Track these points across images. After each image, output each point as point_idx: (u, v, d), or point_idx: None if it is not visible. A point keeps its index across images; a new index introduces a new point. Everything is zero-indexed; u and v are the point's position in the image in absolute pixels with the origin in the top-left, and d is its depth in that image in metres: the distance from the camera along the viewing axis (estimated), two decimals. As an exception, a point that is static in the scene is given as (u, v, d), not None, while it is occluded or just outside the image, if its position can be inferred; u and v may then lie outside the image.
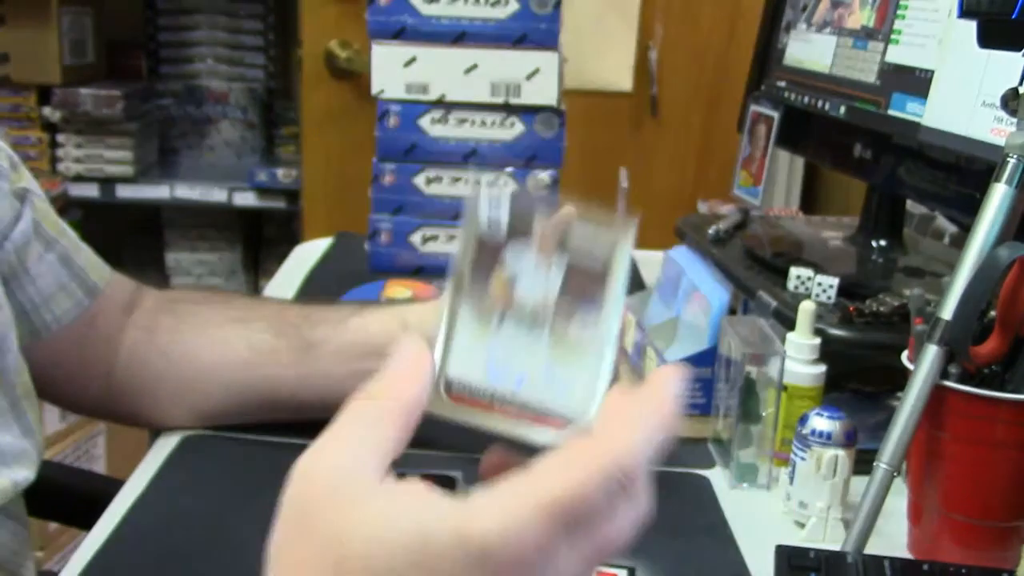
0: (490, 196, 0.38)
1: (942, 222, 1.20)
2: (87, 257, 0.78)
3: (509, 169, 1.21)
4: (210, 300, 0.83)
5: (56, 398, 0.79)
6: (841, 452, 0.69)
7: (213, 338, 0.79)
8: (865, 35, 0.97)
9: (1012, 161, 0.62)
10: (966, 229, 0.65)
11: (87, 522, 0.70)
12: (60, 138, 2.32)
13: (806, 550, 0.61)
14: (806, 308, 0.77)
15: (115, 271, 0.82)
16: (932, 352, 0.62)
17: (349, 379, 0.76)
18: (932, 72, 0.86)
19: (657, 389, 0.36)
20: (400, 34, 1.18)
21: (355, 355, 0.78)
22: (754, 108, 1.18)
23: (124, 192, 2.35)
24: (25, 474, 0.68)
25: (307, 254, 1.37)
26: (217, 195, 2.34)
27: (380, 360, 0.74)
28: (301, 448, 0.35)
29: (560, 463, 0.33)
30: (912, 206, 1.13)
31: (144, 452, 0.78)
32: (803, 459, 0.70)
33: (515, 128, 1.20)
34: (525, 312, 0.38)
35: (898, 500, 0.67)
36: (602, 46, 2.08)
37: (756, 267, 0.99)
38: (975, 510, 0.64)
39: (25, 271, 0.72)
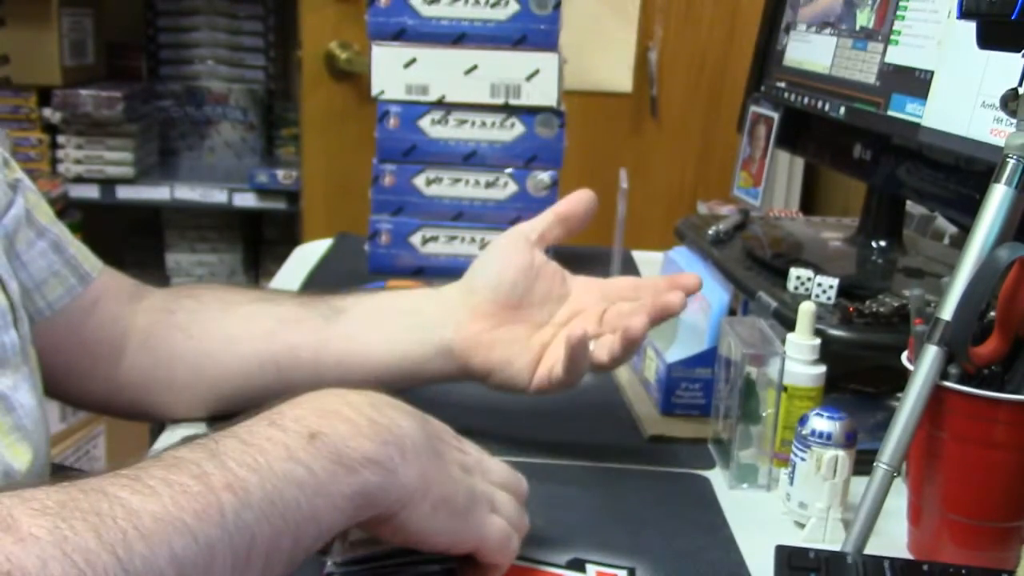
0: None
1: (942, 222, 1.20)
2: (79, 248, 0.77)
3: (509, 170, 1.21)
4: (231, 287, 0.84)
5: (60, 390, 0.78)
6: (841, 452, 0.69)
7: (238, 314, 0.80)
8: (865, 36, 0.97)
9: (1012, 162, 0.62)
10: (966, 230, 0.65)
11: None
12: (60, 139, 2.32)
13: (806, 550, 0.61)
14: (806, 309, 0.77)
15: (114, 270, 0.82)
16: (932, 352, 0.62)
17: (371, 340, 0.78)
18: (932, 73, 0.86)
19: None
20: (400, 35, 1.18)
21: (382, 317, 0.78)
22: (754, 109, 1.18)
23: (124, 193, 2.35)
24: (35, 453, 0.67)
25: (307, 255, 1.37)
26: (217, 196, 2.34)
27: (407, 318, 0.80)
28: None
29: None
30: (912, 207, 1.13)
31: (144, 452, 0.78)
32: (803, 460, 0.70)
33: (515, 129, 1.20)
34: None
35: (898, 500, 0.67)
36: (602, 46, 2.08)
37: (756, 268, 0.99)
38: (975, 511, 0.64)
39: (16, 256, 0.71)
